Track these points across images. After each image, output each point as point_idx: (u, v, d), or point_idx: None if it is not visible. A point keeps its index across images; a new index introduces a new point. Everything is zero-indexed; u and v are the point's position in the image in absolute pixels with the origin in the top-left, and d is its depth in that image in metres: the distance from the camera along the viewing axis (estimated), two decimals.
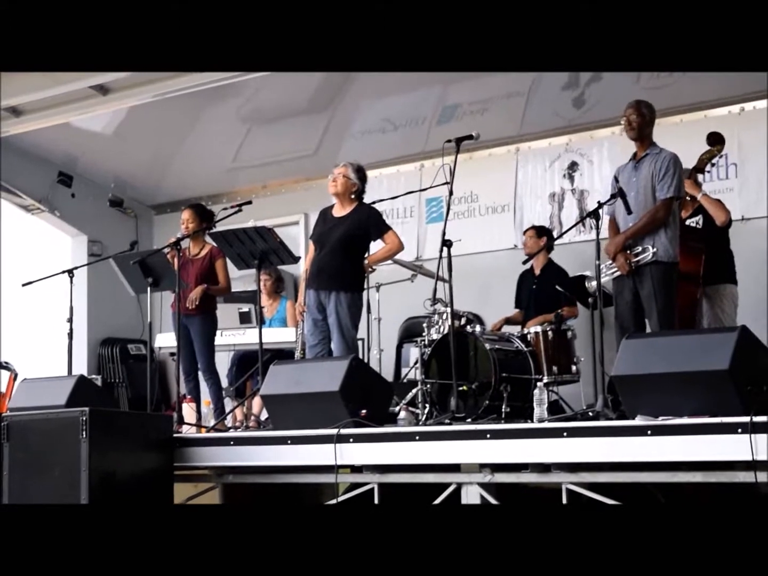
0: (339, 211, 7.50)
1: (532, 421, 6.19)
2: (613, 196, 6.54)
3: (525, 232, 8.93)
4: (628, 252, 6.61)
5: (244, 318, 9.26)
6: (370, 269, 7.56)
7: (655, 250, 6.52)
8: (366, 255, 7.48)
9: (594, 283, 6.79)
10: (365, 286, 7.63)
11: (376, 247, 7.59)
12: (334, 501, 6.14)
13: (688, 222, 7.40)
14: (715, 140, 7.55)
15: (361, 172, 7.50)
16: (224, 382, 8.72)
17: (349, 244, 7.34)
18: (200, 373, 8.30)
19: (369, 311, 8.53)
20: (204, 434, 7.42)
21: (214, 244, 8.04)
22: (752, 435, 4.80)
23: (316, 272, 7.38)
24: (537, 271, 8.69)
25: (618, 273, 6.67)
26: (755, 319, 6.60)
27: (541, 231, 8.84)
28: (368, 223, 7.39)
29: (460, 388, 6.93)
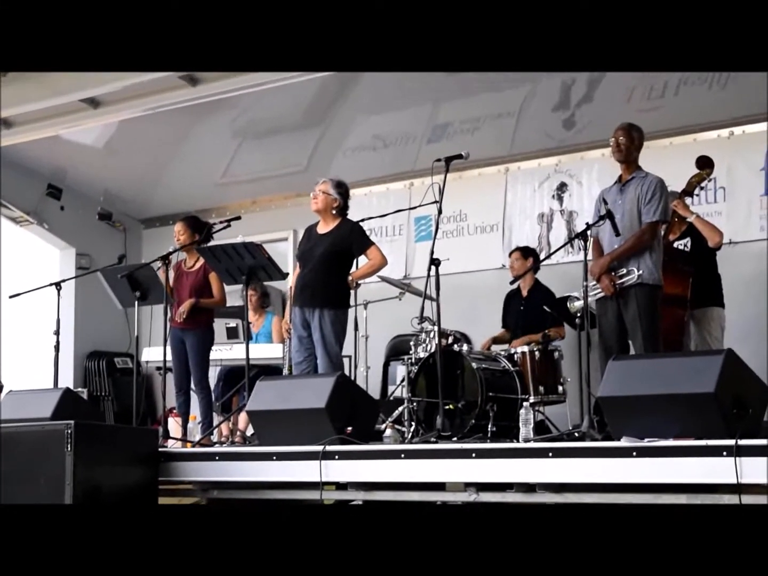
0: (322, 228, 7.50)
1: (518, 441, 6.19)
2: (601, 218, 6.53)
3: (510, 254, 8.91)
4: (613, 274, 6.61)
5: (231, 333, 9.25)
6: (354, 285, 7.55)
7: (640, 272, 6.52)
8: (350, 271, 7.47)
9: (577, 304, 6.81)
10: (351, 303, 7.62)
11: (361, 262, 7.58)
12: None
13: (676, 244, 7.41)
14: (704, 164, 7.57)
15: (342, 188, 7.48)
16: None
17: (332, 260, 7.33)
18: (192, 387, 8.26)
19: (356, 328, 8.53)
20: (189, 449, 7.41)
21: None
22: (737, 458, 4.82)
23: (300, 289, 7.37)
24: (524, 292, 8.67)
25: (601, 294, 6.67)
26: (742, 343, 6.60)
27: (526, 252, 8.82)
28: (350, 239, 7.37)
29: (447, 407, 6.91)
